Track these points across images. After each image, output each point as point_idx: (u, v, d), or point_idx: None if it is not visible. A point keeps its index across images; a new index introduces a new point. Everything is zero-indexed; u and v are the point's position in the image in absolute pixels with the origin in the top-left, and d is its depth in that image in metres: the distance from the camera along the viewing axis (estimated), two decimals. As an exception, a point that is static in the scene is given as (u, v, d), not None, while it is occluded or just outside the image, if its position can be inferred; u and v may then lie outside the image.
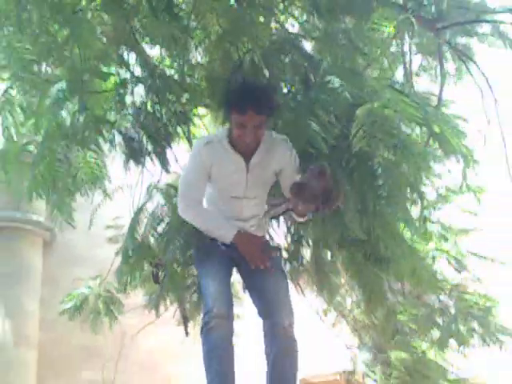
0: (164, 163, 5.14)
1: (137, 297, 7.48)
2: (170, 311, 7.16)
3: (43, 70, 4.64)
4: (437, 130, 3.69)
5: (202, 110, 5.50)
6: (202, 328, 3.10)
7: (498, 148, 4.86)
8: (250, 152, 3.24)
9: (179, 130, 5.16)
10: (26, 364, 9.15)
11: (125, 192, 6.57)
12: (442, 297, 5.75)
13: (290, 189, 3.04)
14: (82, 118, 4.58)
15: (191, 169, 3.33)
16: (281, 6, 4.63)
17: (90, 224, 6.34)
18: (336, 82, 3.80)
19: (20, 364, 9.05)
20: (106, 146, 5.11)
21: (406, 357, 6.03)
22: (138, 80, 4.78)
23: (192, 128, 5.49)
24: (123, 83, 4.77)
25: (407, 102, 3.48)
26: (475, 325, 5.59)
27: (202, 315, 3.13)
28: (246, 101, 3.08)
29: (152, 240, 6.38)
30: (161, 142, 4.97)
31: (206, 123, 5.79)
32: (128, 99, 4.86)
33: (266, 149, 3.26)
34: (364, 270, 4.52)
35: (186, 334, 6.93)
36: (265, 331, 3.17)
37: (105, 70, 4.65)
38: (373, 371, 6.63)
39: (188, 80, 4.78)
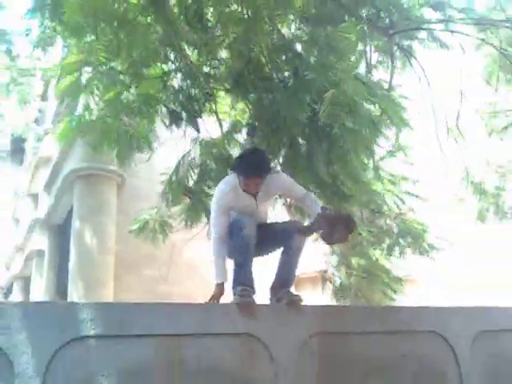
0: (196, 127, 5.14)
1: (182, 221, 7.54)
2: (204, 230, 7.24)
3: (113, 65, 4.60)
4: (383, 106, 3.66)
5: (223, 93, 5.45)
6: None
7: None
8: (255, 192, 3.28)
9: (207, 107, 5.14)
10: (107, 265, 9.31)
11: (172, 150, 6.57)
12: (388, 221, 5.79)
13: (320, 220, 3.12)
14: (139, 97, 4.57)
15: (217, 211, 3.24)
16: (279, 17, 4.53)
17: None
18: (313, 74, 3.78)
19: (103, 265, 9.22)
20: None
21: (363, 261, 6.12)
22: (178, 70, 4.74)
23: (218, 106, 5.47)
24: (168, 73, 4.73)
25: (364, 87, 3.44)
26: (410, 240, 5.66)
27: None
28: (251, 171, 3.15)
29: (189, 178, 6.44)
30: (193, 114, 4.95)
31: (228, 102, 5.75)
32: (171, 83, 4.83)
33: (266, 184, 3.26)
34: (334, 204, 4.54)
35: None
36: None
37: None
38: (338, 271, 6.73)
39: (212, 71, 4.74)
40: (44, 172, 12.84)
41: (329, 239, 3.13)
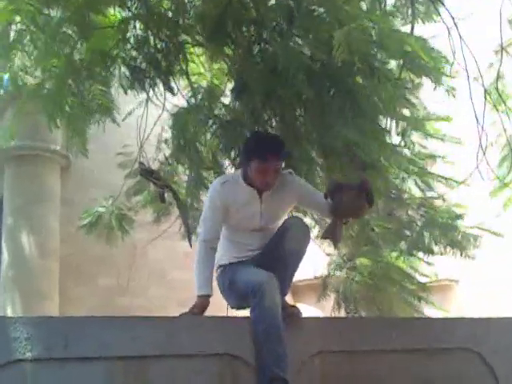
0: (168, 88, 5.10)
1: (145, 214, 7.56)
2: (174, 226, 7.25)
3: (51, 12, 4.55)
4: (409, 48, 3.65)
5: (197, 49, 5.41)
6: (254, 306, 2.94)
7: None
8: (263, 189, 3.23)
9: (177, 68, 5.11)
10: (50, 273, 9.29)
11: (132, 122, 6.55)
12: (410, 212, 5.81)
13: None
14: (88, 54, 4.52)
15: (208, 209, 3.24)
16: None
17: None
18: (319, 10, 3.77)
19: (45, 273, 9.19)
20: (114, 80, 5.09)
21: (369, 263, 6.16)
22: (136, 17, 4.69)
23: (191, 65, 5.43)
24: (124, 20, 4.69)
25: (382, 26, 3.43)
26: (439, 234, 5.68)
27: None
28: (268, 148, 3.13)
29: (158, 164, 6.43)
30: (162, 71, 4.91)
31: (202, 61, 5.71)
32: (130, 35, 4.79)
33: (281, 187, 3.23)
34: (351, 177, 4.56)
35: (190, 245, 7.02)
36: None
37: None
38: (341, 276, 6.78)
39: (181, 20, 4.70)
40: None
41: (339, 211, 3.12)
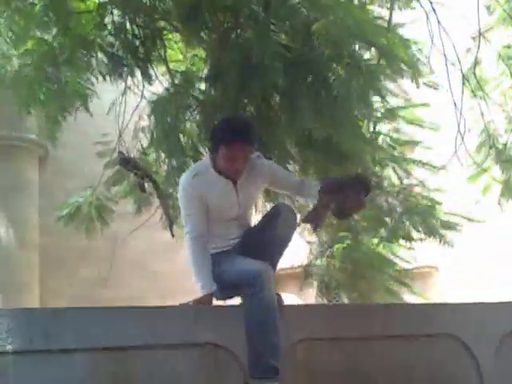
0: (146, 77, 5.04)
1: (126, 205, 7.51)
2: (155, 216, 7.22)
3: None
4: (384, 41, 3.65)
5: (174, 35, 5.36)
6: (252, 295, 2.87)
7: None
8: (235, 178, 3.16)
9: (154, 54, 5.06)
10: (29, 265, 9.24)
11: (110, 111, 6.48)
12: (389, 199, 5.83)
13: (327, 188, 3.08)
14: (66, 39, 4.46)
15: (187, 204, 3.14)
16: None
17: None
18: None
19: (24, 265, 9.14)
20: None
21: (348, 250, 6.19)
22: (113, 2, 4.63)
23: (169, 52, 5.38)
24: (101, 5, 4.62)
25: (359, 18, 3.42)
26: (418, 221, 5.71)
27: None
28: (235, 134, 3.02)
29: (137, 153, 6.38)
30: (140, 58, 4.85)
31: (180, 47, 5.66)
32: (108, 20, 4.73)
33: (247, 171, 3.16)
34: (328, 168, 4.56)
35: (172, 235, 6.99)
36: None
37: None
38: (321, 263, 6.80)
39: (158, 6, 4.65)
40: None
41: (340, 211, 3.08)
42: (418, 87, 4.49)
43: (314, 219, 3.16)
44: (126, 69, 4.97)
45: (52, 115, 4.97)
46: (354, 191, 3.01)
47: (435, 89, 5.14)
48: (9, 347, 2.49)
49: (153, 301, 8.59)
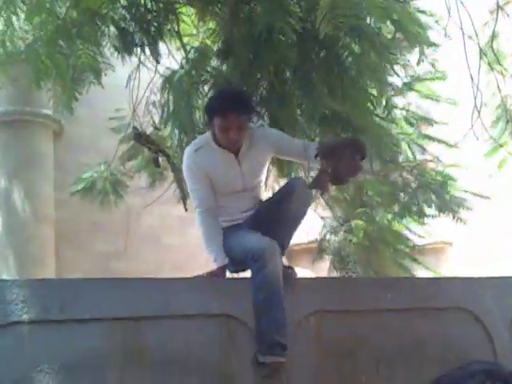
0: (155, 54, 5.00)
1: (140, 179, 7.54)
2: (169, 191, 7.24)
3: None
4: (395, 17, 3.59)
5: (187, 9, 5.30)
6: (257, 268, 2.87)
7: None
8: (236, 150, 3.13)
9: (167, 28, 5.00)
10: (45, 238, 9.29)
11: (124, 86, 6.47)
12: (404, 174, 5.80)
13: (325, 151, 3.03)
14: (77, 12, 4.43)
15: (192, 179, 3.16)
16: None
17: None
18: None
19: (40, 238, 9.19)
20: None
21: (364, 225, 6.17)
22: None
23: (182, 26, 5.33)
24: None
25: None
26: (433, 197, 5.68)
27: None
28: (227, 104, 3.00)
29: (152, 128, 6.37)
30: (152, 34, 4.80)
31: (194, 21, 5.61)
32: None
33: (249, 142, 3.14)
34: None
35: (185, 209, 7.01)
36: None
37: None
38: (336, 238, 6.81)
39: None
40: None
41: (336, 176, 3.03)
42: (423, 58, 4.39)
43: (317, 185, 3.10)
44: (138, 43, 4.93)
45: (67, 87, 4.96)
46: (348, 155, 2.96)
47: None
48: (25, 317, 2.53)
49: (167, 274, 8.64)
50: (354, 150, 3.00)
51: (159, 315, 2.75)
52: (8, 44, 4.74)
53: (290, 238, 3.21)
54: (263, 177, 3.33)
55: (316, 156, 3.04)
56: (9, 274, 8.76)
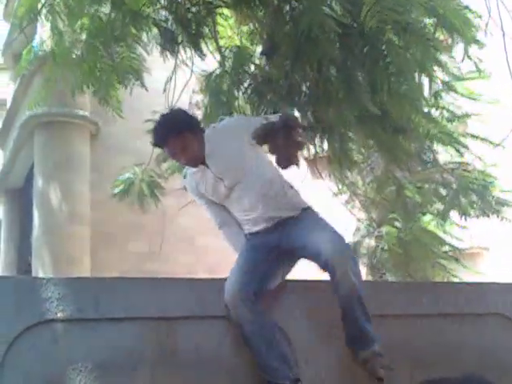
0: (198, 48, 5.02)
1: (175, 181, 7.60)
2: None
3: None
4: (440, 10, 3.54)
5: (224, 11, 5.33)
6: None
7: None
8: (201, 161, 2.93)
9: (205, 30, 5.04)
10: (80, 238, 9.41)
11: (160, 88, 6.54)
12: (445, 175, 5.73)
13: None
14: (119, 14, 4.50)
15: (198, 201, 3.10)
16: None
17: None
18: None
19: (76, 238, 9.32)
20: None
21: (396, 232, 6.08)
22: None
23: (219, 28, 5.37)
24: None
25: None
26: (475, 198, 5.59)
27: None
28: (158, 136, 2.88)
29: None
30: (192, 33, 4.85)
31: (231, 24, 5.64)
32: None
33: (212, 142, 2.92)
34: (384, 141, 4.48)
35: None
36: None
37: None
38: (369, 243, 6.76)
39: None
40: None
41: (281, 159, 2.91)
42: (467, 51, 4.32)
43: (288, 161, 2.94)
44: (177, 44, 4.98)
45: (111, 91, 5.03)
46: (282, 135, 2.87)
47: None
48: (60, 315, 2.54)
49: (201, 275, 8.69)
50: (287, 129, 2.90)
51: (191, 315, 2.76)
52: (55, 48, 4.83)
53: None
54: (251, 162, 2.94)
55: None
56: (44, 273, 8.90)
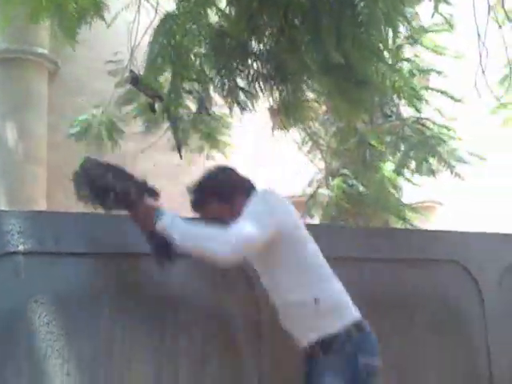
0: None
1: (134, 125, 7.53)
2: (163, 138, 7.24)
3: None
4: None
5: None
6: None
7: None
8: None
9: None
10: (37, 179, 9.29)
11: (123, 29, 6.40)
12: (405, 128, 5.81)
13: None
14: None
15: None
16: None
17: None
18: None
19: (31, 179, 9.19)
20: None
21: (342, 185, 6.15)
22: None
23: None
24: None
25: None
26: (431, 152, 5.70)
27: None
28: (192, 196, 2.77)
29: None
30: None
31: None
32: None
33: None
34: (347, 94, 4.49)
35: (181, 157, 7.04)
36: None
37: None
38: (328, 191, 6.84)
39: None
40: None
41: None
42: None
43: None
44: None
45: (68, 26, 4.86)
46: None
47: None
48: (20, 247, 2.53)
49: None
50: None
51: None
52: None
53: None
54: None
55: None
56: None
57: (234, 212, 2.55)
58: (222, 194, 2.71)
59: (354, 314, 2.54)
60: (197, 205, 2.76)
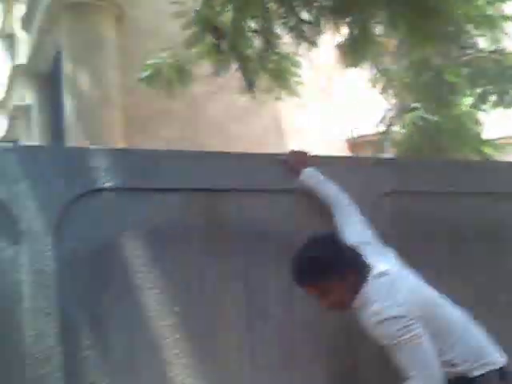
0: None
1: (203, 67, 7.50)
2: (233, 79, 7.19)
3: None
4: None
5: None
6: None
7: None
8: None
9: None
10: (112, 122, 9.42)
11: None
12: (483, 60, 5.56)
13: None
14: None
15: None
16: None
17: None
18: None
19: (108, 123, 9.32)
20: None
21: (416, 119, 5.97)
22: None
23: None
24: None
25: None
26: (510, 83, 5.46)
27: None
28: (292, 276, 2.51)
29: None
30: None
31: None
32: None
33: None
34: (414, 24, 4.31)
35: (253, 96, 6.95)
36: None
37: None
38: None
39: None
40: (19, 5, 12.63)
41: None
42: None
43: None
44: None
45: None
46: None
47: None
48: (107, 184, 2.60)
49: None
50: None
51: (238, 188, 2.80)
52: None
53: None
54: None
55: None
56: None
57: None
58: (331, 273, 2.49)
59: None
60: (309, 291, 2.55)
